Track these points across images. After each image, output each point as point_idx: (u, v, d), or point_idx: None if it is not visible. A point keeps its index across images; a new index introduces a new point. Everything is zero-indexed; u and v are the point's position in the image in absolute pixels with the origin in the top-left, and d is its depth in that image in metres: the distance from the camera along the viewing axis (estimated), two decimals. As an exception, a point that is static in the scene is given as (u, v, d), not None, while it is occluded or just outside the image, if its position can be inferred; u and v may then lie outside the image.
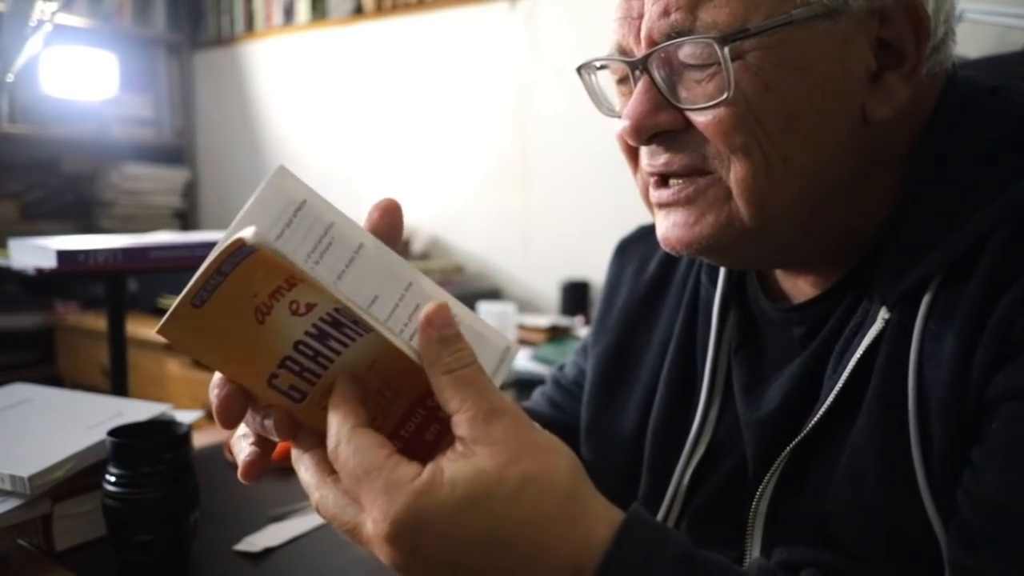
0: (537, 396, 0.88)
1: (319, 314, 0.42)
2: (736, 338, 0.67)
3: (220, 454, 1.08)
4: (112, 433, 0.75)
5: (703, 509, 0.64)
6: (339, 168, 2.75)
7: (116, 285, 1.31)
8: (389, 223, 0.48)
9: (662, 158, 0.57)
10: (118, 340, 1.28)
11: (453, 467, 0.41)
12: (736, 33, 0.52)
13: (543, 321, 1.95)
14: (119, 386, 1.26)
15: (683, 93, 0.55)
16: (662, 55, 0.55)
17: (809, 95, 0.53)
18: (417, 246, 2.51)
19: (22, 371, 2.47)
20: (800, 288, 0.64)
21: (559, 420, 0.81)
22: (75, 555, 0.78)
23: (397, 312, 0.44)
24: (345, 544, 0.82)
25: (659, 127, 0.56)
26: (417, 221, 2.52)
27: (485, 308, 1.83)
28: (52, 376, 2.67)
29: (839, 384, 0.55)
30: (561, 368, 0.89)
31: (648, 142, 0.57)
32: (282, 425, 0.45)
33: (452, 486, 0.40)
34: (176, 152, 3.25)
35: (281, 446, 0.49)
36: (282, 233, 0.42)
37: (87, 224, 2.98)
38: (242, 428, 0.49)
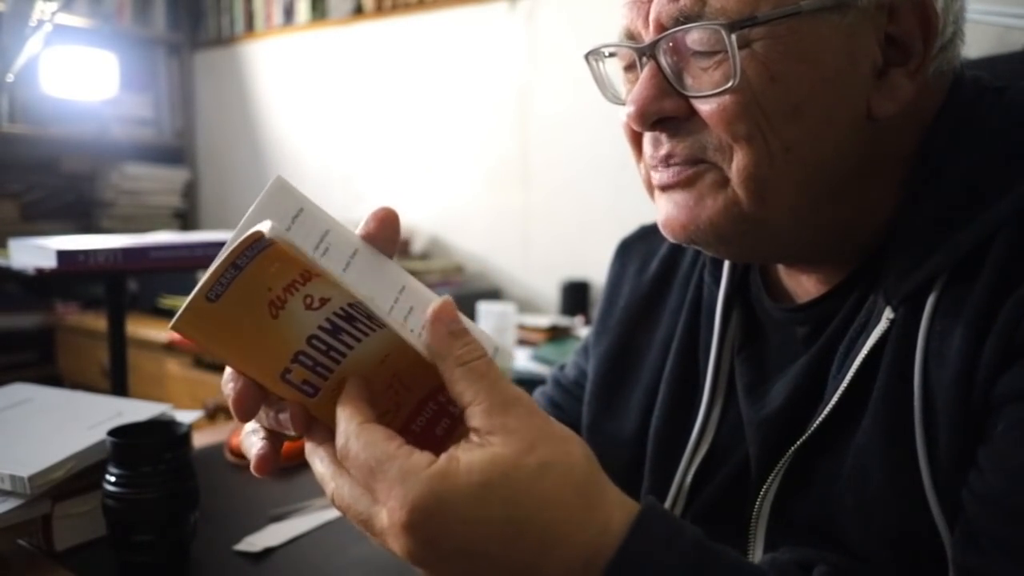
0: (537, 396, 0.88)
1: (333, 308, 0.42)
2: (739, 338, 0.67)
3: (220, 454, 1.08)
4: (112, 433, 0.75)
5: (705, 509, 0.64)
6: (339, 168, 2.75)
7: (116, 285, 1.31)
8: (386, 234, 0.49)
9: (664, 147, 0.57)
10: (118, 340, 1.28)
11: (469, 455, 0.41)
12: (744, 20, 0.52)
13: (543, 321, 1.95)
14: (119, 386, 1.26)
15: (689, 80, 0.55)
16: (670, 42, 0.55)
17: (815, 87, 0.53)
18: (417, 246, 2.51)
19: (22, 371, 2.47)
20: (804, 287, 0.64)
21: (560, 420, 0.80)
22: (75, 555, 0.78)
23: (393, 314, 0.46)
24: (345, 544, 0.82)
25: (663, 113, 0.56)
26: (417, 221, 2.52)
27: (485, 308, 1.83)
28: (52, 376, 2.67)
29: (844, 384, 0.55)
30: (562, 368, 0.89)
31: (652, 128, 0.57)
32: (297, 419, 0.45)
33: (469, 471, 0.40)
34: (176, 152, 3.25)
35: (286, 446, 0.49)
36: (288, 231, 0.43)
37: (87, 224, 2.98)
38: (250, 424, 0.49)
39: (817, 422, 0.57)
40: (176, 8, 3.21)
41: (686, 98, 0.55)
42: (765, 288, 0.67)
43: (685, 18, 0.54)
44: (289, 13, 2.86)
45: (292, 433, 0.46)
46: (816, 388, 0.59)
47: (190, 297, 0.42)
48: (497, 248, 2.37)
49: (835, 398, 0.56)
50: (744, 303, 0.68)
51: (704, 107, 0.54)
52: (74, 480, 0.78)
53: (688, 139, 0.56)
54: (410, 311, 0.46)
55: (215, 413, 1.61)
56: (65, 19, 2.60)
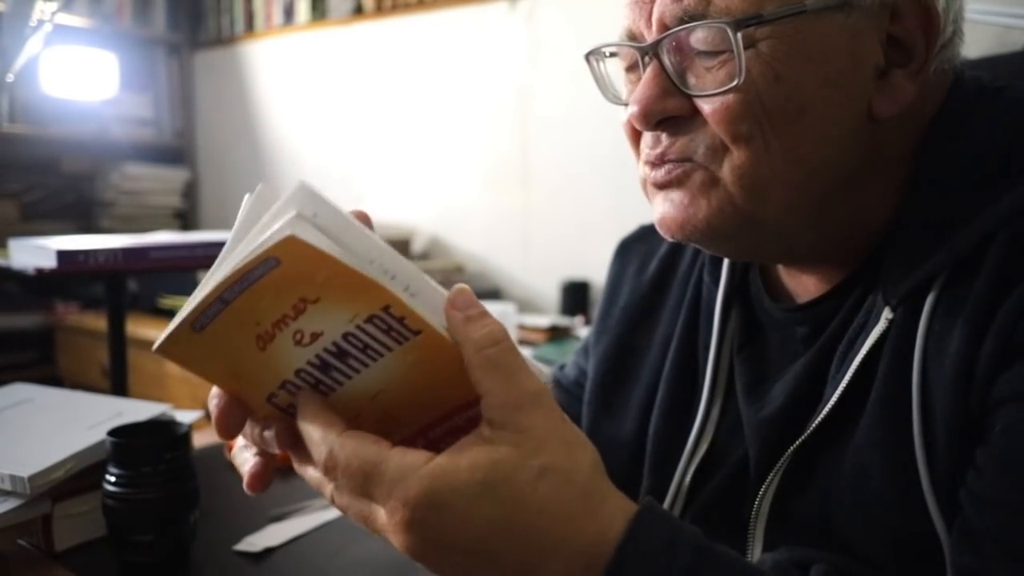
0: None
1: (324, 344, 0.41)
2: (738, 338, 0.67)
3: (220, 454, 1.08)
4: (112, 433, 0.75)
5: (705, 509, 0.64)
6: (339, 168, 2.75)
7: (116, 285, 1.31)
8: None
9: (660, 147, 0.57)
10: (118, 340, 1.28)
11: (474, 452, 0.40)
12: (750, 19, 0.51)
13: (543, 321, 1.95)
14: (119, 386, 1.26)
15: (692, 80, 0.55)
16: (673, 41, 0.55)
17: (818, 88, 0.53)
18: (417, 246, 2.51)
19: (22, 371, 2.47)
20: (804, 286, 0.64)
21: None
22: (75, 555, 0.78)
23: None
24: (345, 544, 0.82)
25: (667, 112, 0.56)
26: (417, 221, 2.52)
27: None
28: (52, 376, 2.67)
29: (843, 384, 0.55)
30: (561, 368, 0.89)
31: (655, 128, 0.57)
32: (282, 437, 0.45)
33: (472, 469, 0.40)
34: (176, 152, 3.25)
35: None
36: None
37: (87, 224, 2.98)
38: (242, 440, 0.49)
39: (816, 422, 0.57)
40: (176, 8, 3.20)
41: (689, 97, 0.55)
42: (765, 288, 0.67)
43: (689, 17, 0.54)
44: (289, 13, 2.86)
45: (277, 451, 0.46)
46: (816, 388, 0.59)
47: (175, 323, 0.41)
48: (497, 248, 2.37)
49: (834, 398, 0.56)
50: (744, 303, 0.68)
51: (707, 106, 0.54)
52: (74, 480, 0.78)
53: (684, 138, 0.56)
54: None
55: (215, 413, 1.61)
56: (65, 19, 2.60)
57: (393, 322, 0.40)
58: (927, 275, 0.53)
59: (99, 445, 0.79)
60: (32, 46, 2.31)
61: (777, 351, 0.65)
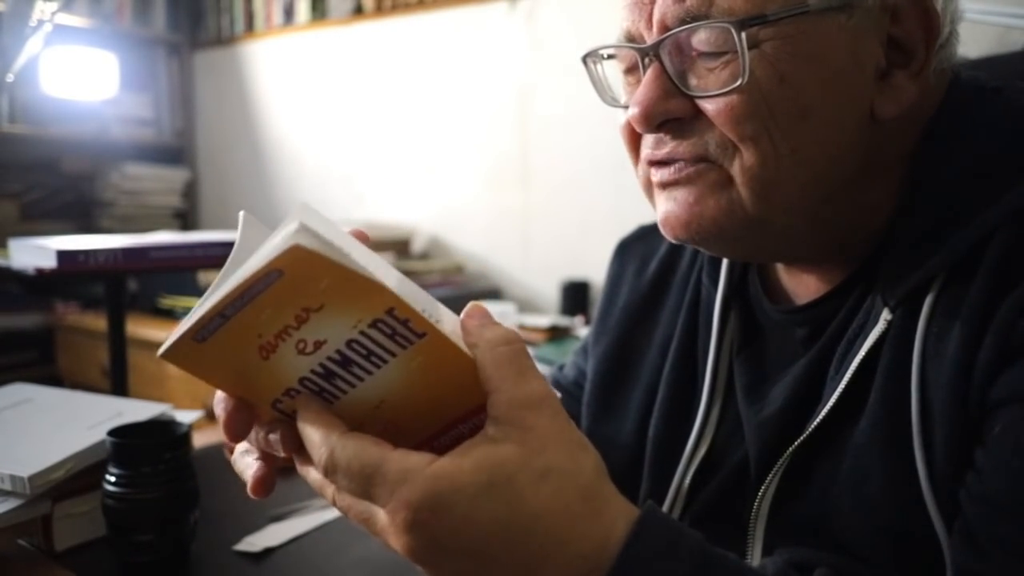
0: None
1: (327, 352, 0.41)
2: (738, 339, 0.67)
3: (220, 454, 1.08)
4: (112, 433, 0.75)
5: (705, 510, 0.64)
6: (339, 168, 2.75)
7: (116, 285, 1.31)
8: None
9: (667, 147, 0.57)
10: (118, 340, 1.28)
11: (478, 452, 0.40)
12: (753, 19, 0.51)
13: (543, 321, 1.95)
14: (119, 386, 1.26)
15: (693, 81, 0.55)
16: (674, 42, 0.55)
17: (822, 89, 0.53)
18: (417, 246, 2.51)
19: (22, 371, 2.47)
20: (804, 287, 0.64)
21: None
22: (75, 555, 0.78)
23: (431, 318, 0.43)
24: (345, 544, 0.82)
25: (669, 114, 0.56)
26: (417, 221, 2.52)
27: (485, 308, 1.83)
28: (52, 376, 2.67)
29: (842, 385, 0.55)
30: (561, 368, 0.89)
31: (656, 130, 0.57)
32: (287, 441, 0.45)
33: (475, 470, 0.40)
34: (176, 152, 3.25)
35: None
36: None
37: (87, 224, 2.98)
38: (243, 445, 0.49)
39: (815, 423, 0.57)
40: (176, 8, 3.20)
41: (691, 98, 0.55)
42: (764, 289, 0.67)
43: (692, 18, 0.53)
44: (289, 13, 2.86)
45: (282, 454, 0.46)
46: (815, 389, 0.59)
47: (177, 335, 0.41)
48: (497, 248, 2.37)
49: (833, 399, 0.56)
50: (743, 304, 0.68)
51: (710, 107, 0.54)
52: (74, 480, 0.78)
53: (692, 138, 0.56)
54: (438, 323, 0.45)
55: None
56: (65, 19, 2.61)
57: (397, 325, 0.40)
58: (926, 276, 0.53)
59: (99, 445, 0.79)
60: (32, 46, 2.31)
61: (776, 352, 0.65)
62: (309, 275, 0.38)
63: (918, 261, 0.53)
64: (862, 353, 0.55)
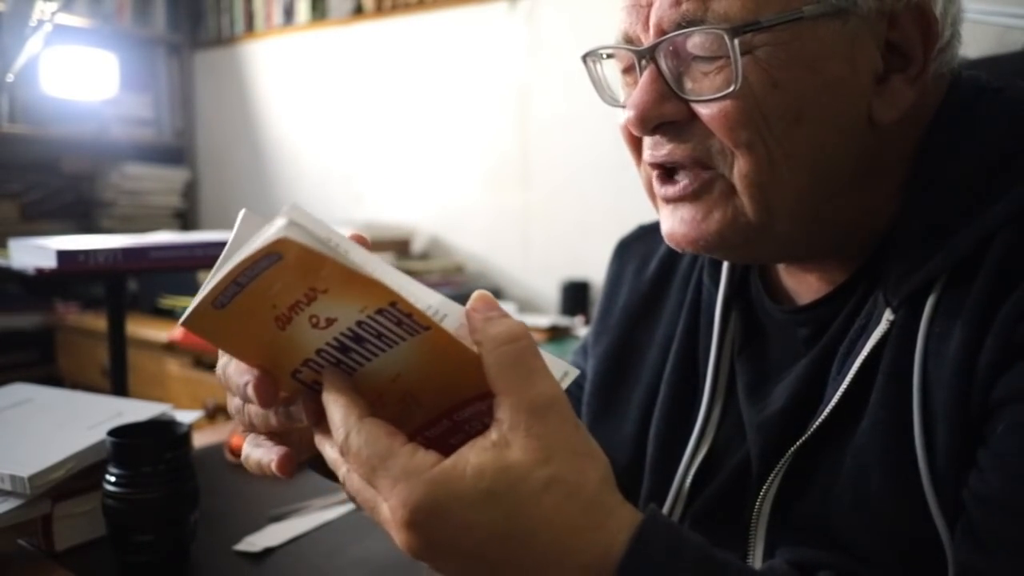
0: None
1: (339, 329, 0.41)
2: (739, 339, 0.67)
3: (220, 454, 1.08)
4: (112, 433, 0.75)
5: (706, 510, 0.64)
6: (339, 168, 2.75)
7: (116, 285, 1.31)
8: None
9: (665, 149, 0.57)
10: (118, 340, 1.28)
11: (482, 457, 0.40)
12: (747, 25, 0.51)
13: (543, 321, 1.95)
14: (119, 386, 1.26)
15: (689, 84, 0.55)
16: (670, 45, 0.55)
17: (817, 94, 0.53)
18: (417, 246, 2.51)
19: (22, 371, 2.47)
20: (806, 287, 0.64)
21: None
22: (75, 555, 0.78)
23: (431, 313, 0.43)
24: (345, 544, 0.82)
25: (664, 117, 0.56)
26: (417, 221, 2.52)
27: (485, 308, 1.83)
28: (52, 376, 2.67)
29: (844, 385, 0.55)
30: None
31: (652, 132, 0.57)
32: (310, 409, 0.45)
33: (477, 477, 0.39)
34: (176, 152, 3.25)
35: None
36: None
37: (87, 224, 2.98)
38: (250, 440, 0.49)
39: (817, 423, 0.57)
40: (176, 8, 3.20)
41: (686, 102, 0.55)
42: (765, 289, 0.67)
43: (687, 22, 0.53)
44: (289, 13, 2.86)
45: (303, 423, 0.46)
46: (816, 389, 0.59)
47: (198, 298, 0.42)
48: (497, 248, 2.37)
49: (835, 399, 0.56)
50: (744, 304, 0.68)
51: (705, 111, 0.54)
52: (74, 480, 0.78)
53: (691, 142, 0.56)
54: (444, 318, 0.45)
55: (215, 413, 1.61)
56: (65, 19, 2.60)
57: (403, 317, 0.40)
58: (928, 276, 0.53)
59: (99, 445, 0.79)
60: (32, 46, 2.31)
61: (778, 352, 0.64)
62: (306, 262, 0.38)
63: (920, 261, 0.53)
64: (864, 353, 0.55)
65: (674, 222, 0.58)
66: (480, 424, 0.43)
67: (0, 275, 1.20)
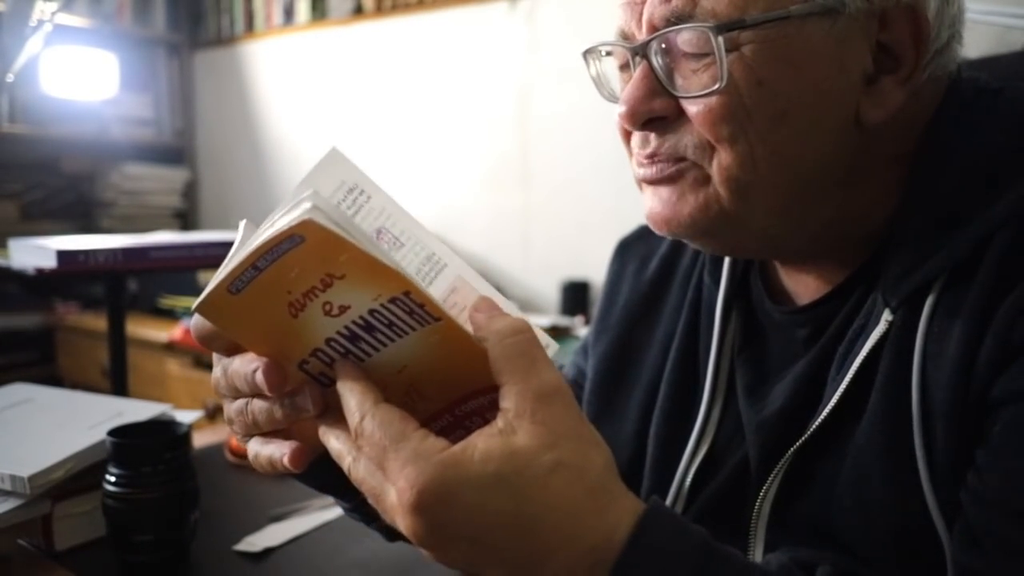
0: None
1: (352, 317, 0.42)
2: (739, 339, 0.67)
3: (220, 454, 1.08)
4: (112, 433, 0.75)
5: (705, 510, 0.64)
6: (339, 168, 2.74)
7: (116, 285, 1.31)
8: None
9: (650, 146, 0.58)
10: (118, 340, 1.28)
11: (489, 443, 0.41)
12: (733, 23, 0.52)
13: (543, 321, 1.95)
14: (119, 386, 1.26)
15: (679, 81, 0.55)
16: (662, 43, 0.55)
17: (802, 93, 0.53)
18: (417, 246, 2.50)
19: (22, 371, 2.47)
20: (805, 287, 0.64)
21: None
22: (75, 555, 0.78)
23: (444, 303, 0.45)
24: (345, 544, 0.82)
25: (653, 113, 0.56)
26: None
27: (485, 308, 1.83)
28: (52, 376, 2.68)
29: (843, 385, 0.55)
30: (560, 368, 0.89)
31: (642, 127, 0.58)
32: (317, 400, 0.45)
33: (484, 461, 0.40)
34: (176, 152, 3.25)
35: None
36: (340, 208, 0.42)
37: (87, 224, 2.99)
38: (255, 442, 0.50)
39: (816, 423, 0.57)
40: (176, 8, 3.21)
41: (676, 98, 0.55)
42: (766, 290, 0.67)
43: (677, 19, 0.54)
44: (289, 13, 2.86)
45: (310, 413, 0.46)
46: (816, 390, 0.59)
47: (213, 283, 0.42)
48: (497, 248, 2.37)
49: (834, 400, 0.56)
50: (744, 304, 0.68)
51: (692, 108, 0.54)
52: (74, 480, 0.78)
53: (672, 138, 0.56)
54: (444, 267, 0.47)
55: (215, 413, 1.61)
56: (65, 19, 2.61)
57: (414, 306, 0.41)
58: (926, 277, 0.53)
59: (99, 445, 0.79)
60: (32, 46, 2.31)
61: (777, 353, 0.65)
62: (328, 247, 0.39)
63: (919, 262, 0.53)
64: (863, 354, 0.55)
65: (653, 202, 0.59)
66: (481, 420, 0.44)
67: (0, 275, 1.20)
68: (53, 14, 2.22)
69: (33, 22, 2.21)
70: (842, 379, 0.56)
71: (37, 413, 0.91)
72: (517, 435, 0.41)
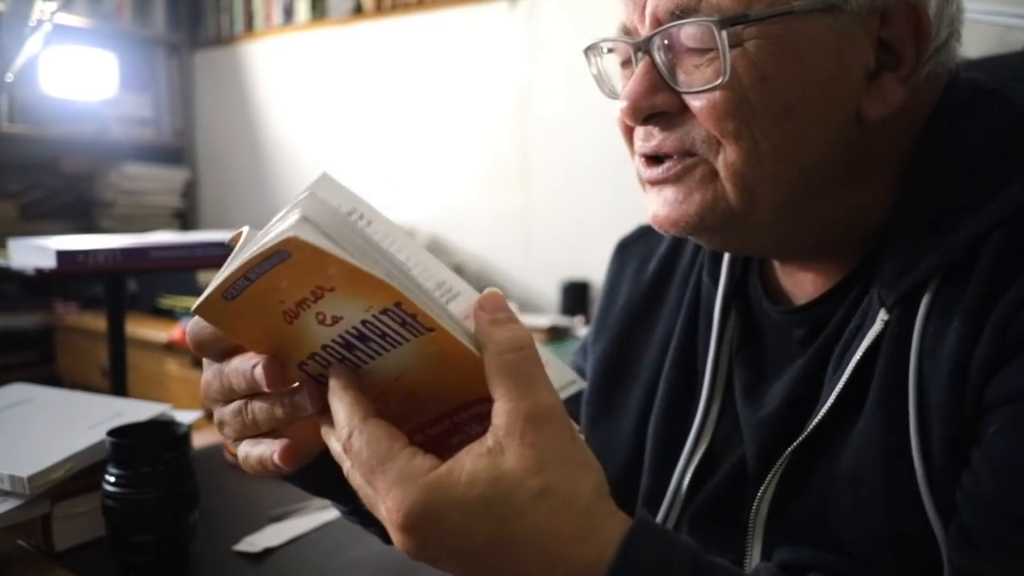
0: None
1: (345, 327, 0.42)
2: (737, 339, 0.67)
3: (220, 454, 1.08)
4: (112, 433, 0.75)
5: (703, 510, 0.64)
6: (338, 168, 2.74)
7: (116, 285, 1.31)
8: None
9: (654, 140, 0.58)
10: (118, 340, 1.28)
11: (477, 464, 0.40)
12: (737, 17, 0.52)
13: (543, 321, 1.95)
14: (119, 386, 1.26)
15: (682, 76, 0.55)
16: (664, 38, 0.55)
17: (805, 89, 0.53)
18: (417, 246, 2.50)
19: (22, 371, 2.47)
20: (802, 286, 0.64)
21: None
22: (75, 555, 0.78)
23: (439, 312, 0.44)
24: (345, 544, 0.82)
25: (655, 108, 0.56)
26: (417, 221, 2.52)
27: (485, 308, 1.83)
28: (52, 376, 2.68)
29: (839, 385, 0.55)
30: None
31: (645, 123, 0.58)
32: (315, 396, 0.45)
33: (471, 484, 0.40)
34: (176, 152, 3.25)
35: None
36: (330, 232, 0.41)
37: (87, 224, 2.99)
38: (247, 443, 0.50)
39: (813, 423, 0.57)
40: (176, 8, 3.21)
41: (678, 94, 0.55)
42: (764, 289, 0.67)
43: (681, 12, 0.54)
44: (289, 13, 2.86)
45: (309, 412, 0.46)
46: (813, 390, 0.59)
47: (210, 288, 0.43)
48: (497, 248, 2.37)
49: (831, 400, 0.56)
50: (743, 304, 0.68)
51: (695, 103, 0.54)
52: (74, 480, 0.78)
53: (679, 132, 0.56)
54: (455, 296, 0.46)
55: (215, 413, 1.61)
56: (65, 19, 2.61)
57: (407, 317, 0.41)
58: (922, 276, 0.53)
59: (99, 445, 0.79)
60: (32, 46, 2.31)
61: (775, 352, 0.65)
62: (314, 262, 0.39)
63: (914, 261, 0.53)
64: (859, 353, 0.55)
65: (658, 204, 0.59)
66: (480, 427, 0.44)
67: (0, 275, 1.20)
68: (52, 14, 2.22)
69: (33, 22, 2.21)
70: (839, 379, 0.56)
71: (37, 413, 0.91)
72: (505, 457, 0.40)
